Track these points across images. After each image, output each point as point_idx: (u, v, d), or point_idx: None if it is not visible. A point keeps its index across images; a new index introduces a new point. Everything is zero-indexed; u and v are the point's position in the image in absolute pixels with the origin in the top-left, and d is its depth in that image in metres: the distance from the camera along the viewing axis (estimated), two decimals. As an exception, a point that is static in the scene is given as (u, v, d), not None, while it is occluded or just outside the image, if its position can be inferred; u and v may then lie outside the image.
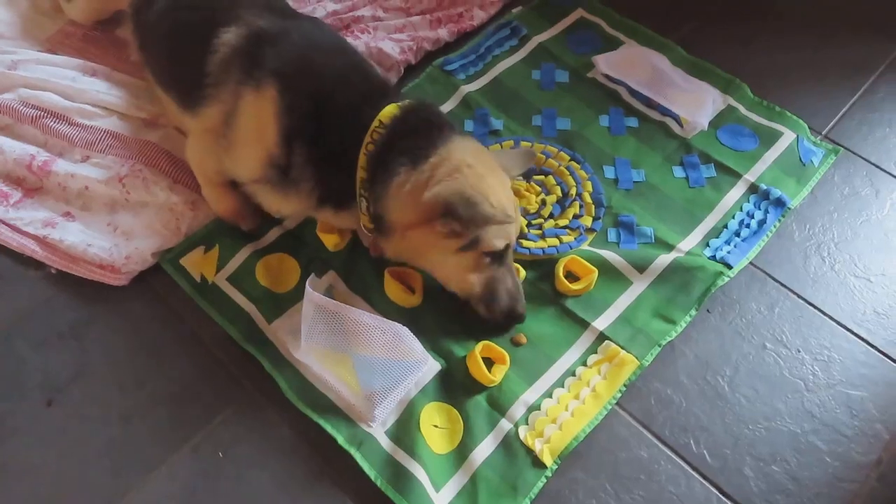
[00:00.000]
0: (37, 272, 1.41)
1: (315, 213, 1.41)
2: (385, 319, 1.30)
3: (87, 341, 1.34)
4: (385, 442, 1.23)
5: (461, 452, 1.23)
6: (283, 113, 1.29)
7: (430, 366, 1.31)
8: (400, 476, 1.18)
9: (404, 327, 1.29)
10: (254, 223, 1.46)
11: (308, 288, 1.28)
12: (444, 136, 1.28)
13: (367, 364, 1.27)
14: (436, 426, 1.25)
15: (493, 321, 1.33)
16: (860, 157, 1.74)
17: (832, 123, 1.80)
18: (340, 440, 1.21)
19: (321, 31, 1.45)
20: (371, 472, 1.18)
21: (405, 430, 1.24)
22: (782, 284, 1.50)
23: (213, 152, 1.38)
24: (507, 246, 1.30)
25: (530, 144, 1.64)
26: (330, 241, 1.45)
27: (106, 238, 1.40)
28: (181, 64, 1.44)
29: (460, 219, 1.22)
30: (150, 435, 1.23)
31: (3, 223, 1.43)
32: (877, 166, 1.72)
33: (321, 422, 1.23)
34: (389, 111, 1.28)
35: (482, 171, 1.28)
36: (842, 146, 1.74)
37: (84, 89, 1.56)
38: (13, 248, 1.41)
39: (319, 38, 1.41)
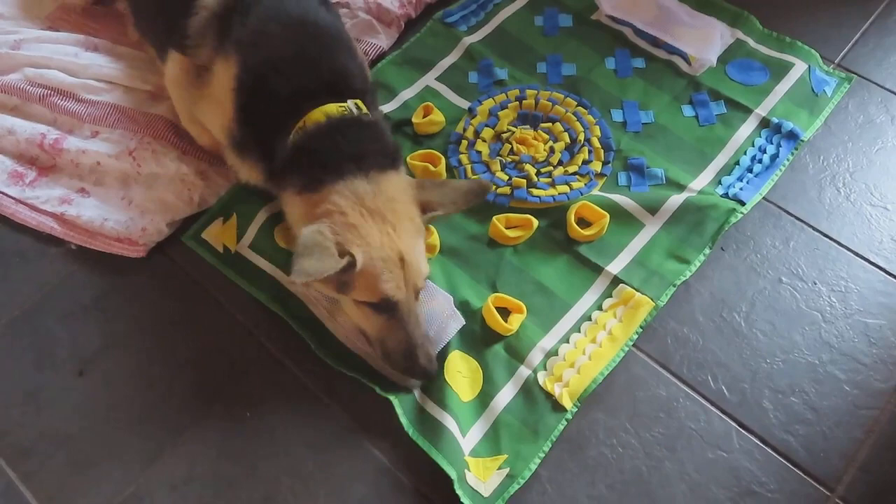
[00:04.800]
0: (57, 249, 1.44)
1: (268, 187, 1.38)
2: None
3: (111, 312, 1.37)
4: (417, 394, 1.25)
5: (482, 401, 1.25)
6: (237, 89, 1.30)
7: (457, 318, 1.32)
8: (431, 427, 1.21)
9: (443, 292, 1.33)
10: None
11: None
12: (337, 173, 1.22)
13: None
14: (459, 372, 1.27)
15: (398, 370, 1.24)
16: (874, 83, 1.70)
17: (845, 51, 1.76)
18: (379, 389, 1.24)
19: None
20: (404, 421, 1.21)
21: (434, 381, 1.26)
22: (797, 218, 1.49)
23: (188, 94, 1.41)
24: (388, 299, 1.19)
25: (536, 92, 1.62)
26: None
27: (121, 212, 1.42)
28: (166, 21, 1.42)
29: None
30: (179, 398, 1.27)
31: (22, 203, 1.46)
32: (892, 92, 1.69)
33: (358, 375, 1.26)
34: (314, 118, 1.26)
35: (356, 219, 1.20)
36: (855, 73, 1.71)
37: (87, 64, 1.57)
38: (33, 227, 1.44)
39: (288, 8, 1.35)
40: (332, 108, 1.27)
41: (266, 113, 1.29)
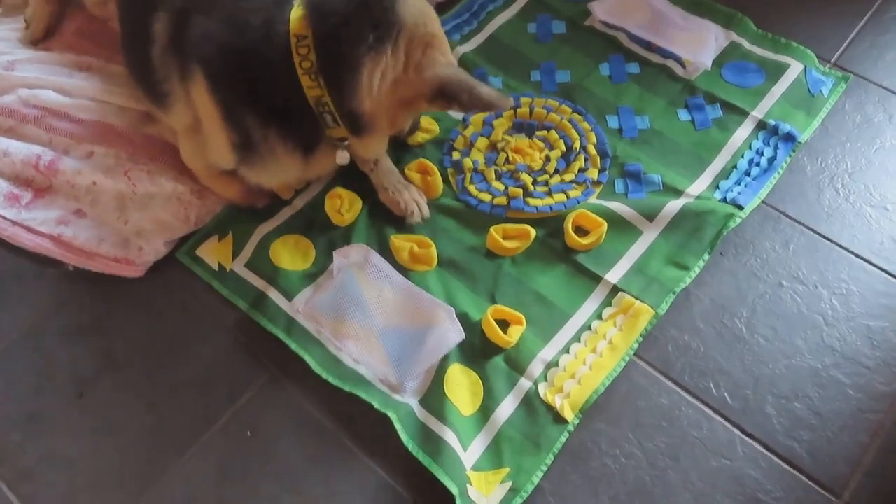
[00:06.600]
0: (55, 270, 1.43)
1: (307, 171, 1.39)
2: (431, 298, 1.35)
3: (110, 333, 1.37)
4: (417, 409, 1.25)
5: (483, 414, 1.25)
6: (213, 91, 1.25)
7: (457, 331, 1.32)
8: (431, 441, 1.20)
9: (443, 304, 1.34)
10: (267, 198, 1.48)
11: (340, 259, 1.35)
12: (384, 9, 1.21)
13: (393, 336, 1.31)
14: (460, 386, 1.27)
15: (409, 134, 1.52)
16: (872, 82, 1.69)
17: (841, 50, 1.75)
18: (376, 405, 1.23)
19: None
20: (404, 436, 1.20)
21: (434, 395, 1.25)
22: (796, 221, 1.48)
23: (199, 150, 1.38)
24: None
25: (531, 100, 1.62)
26: (337, 218, 1.46)
27: (118, 232, 1.42)
28: (137, 57, 1.40)
29: (459, 102, 1.23)
30: (179, 419, 1.27)
31: (18, 225, 1.45)
32: (889, 90, 1.67)
33: (356, 391, 1.25)
34: (297, 18, 1.21)
35: (439, 31, 1.27)
36: (852, 73, 1.70)
37: (81, 84, 1.56)
38: (30, 249, 1.43)
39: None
40: (298, 9, 1.22)
41: (252, 77, 1.23)
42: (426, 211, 1.46)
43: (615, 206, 1.45)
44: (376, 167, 1.47)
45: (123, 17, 1.47)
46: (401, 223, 1.46)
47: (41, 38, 1.70)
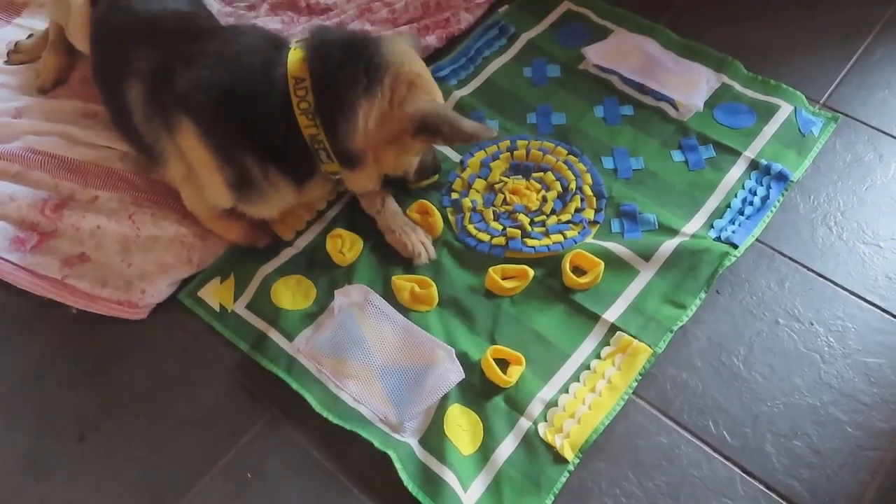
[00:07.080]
0: (58, 312, 1.45)
1: (302, 198, 1.45)
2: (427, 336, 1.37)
3: (112, 375, 1.38)
4: (417, 449, 1.25)
5: (483, 454, 1.25)
6: (204, 135, 1.31)
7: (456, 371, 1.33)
8: (432, 482, 1.20)
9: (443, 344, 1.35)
10: (268, 237, 1.51)
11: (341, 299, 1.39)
12: (371, 53, 1.29)
13: (393, 375, 1.32)
14: (459, 426, 1.27)
15: (417, 179, 1.55)
16: (861, 122, 1.72)
17: (830, 91, 1.79)
18: (377, 444, 1.23)
19: (198, 29, 1.43)
20: (404, 476, 1.20)
21: (434, 435, 1.26)
22: (790, 259, 1.50)
23: (200, 196, 1.43)
24: None
25: (527, 142, 1.65)
26: (339, 258, 1.48)
27: (121, 275, 1.44)
28: (122, 125, 1.47)
29: (441, 134, 1.29)
30: (181, 460, 1.27)
31: (23, 269, 1.47)
32: (878, 130, 1.71)
33: (356, 431, 1.25)
34: (295, 60, 1.28)
35: (423, 71, 1.36)
36: (841, 113, 1.73)
37: (86, 131, 1.60)
38: (34, 293, 1.45)
39: (196, 46, 1.34)
40: (297, 52, 1.29)
41: (248, 116, 1.29)
42: (433, 252, 1.48)
43: (612, 245, 1.47)
44: (384, 209, 1.50)
45: (100, 89, 1.55)
46: (402, 263, 1.48)
47: (50, 89, 1.75)
